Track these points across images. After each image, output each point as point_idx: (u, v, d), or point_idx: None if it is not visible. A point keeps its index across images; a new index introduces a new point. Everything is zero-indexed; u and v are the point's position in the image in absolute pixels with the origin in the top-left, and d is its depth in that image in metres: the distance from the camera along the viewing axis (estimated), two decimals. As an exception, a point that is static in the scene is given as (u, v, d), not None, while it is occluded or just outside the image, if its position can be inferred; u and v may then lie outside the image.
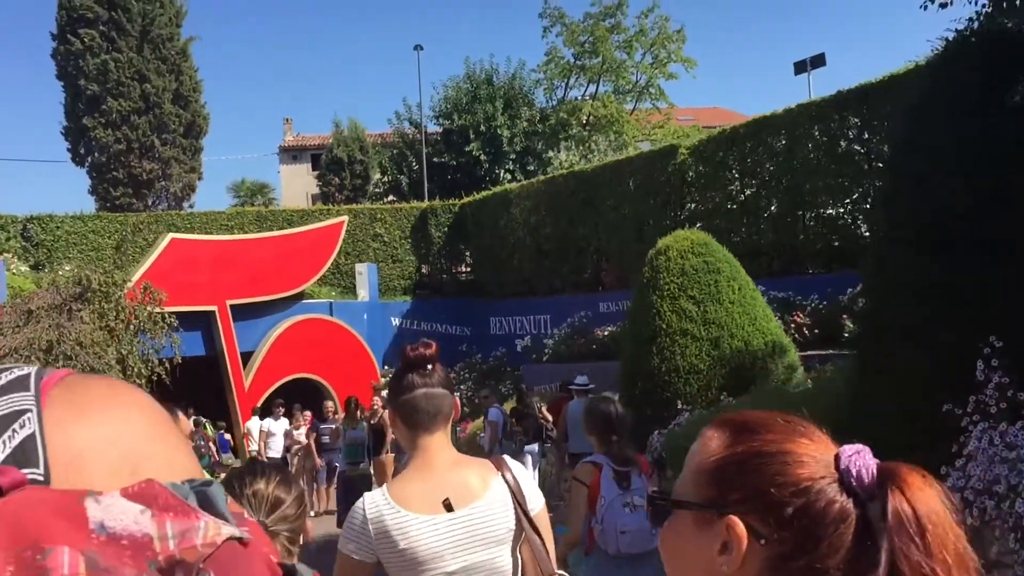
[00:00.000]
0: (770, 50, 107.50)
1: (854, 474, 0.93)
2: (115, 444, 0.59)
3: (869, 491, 0.92)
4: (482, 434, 12.98)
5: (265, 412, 17.31)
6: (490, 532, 2.28)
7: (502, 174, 29.82)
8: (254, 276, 20.73)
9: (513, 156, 30.47)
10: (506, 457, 2.50)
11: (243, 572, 0.54)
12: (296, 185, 39.53)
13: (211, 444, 19.88)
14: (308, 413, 13.77)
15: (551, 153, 29.31)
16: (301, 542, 2.00)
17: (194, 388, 21.35)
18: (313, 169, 41.27)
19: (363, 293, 23.38)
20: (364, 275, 23.40)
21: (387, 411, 6.83)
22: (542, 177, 23.38)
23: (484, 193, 24.64)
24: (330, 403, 13.69)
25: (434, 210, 25.00)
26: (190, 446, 0.68)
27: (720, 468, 0.99)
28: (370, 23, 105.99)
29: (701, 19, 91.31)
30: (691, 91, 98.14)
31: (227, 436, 19.08)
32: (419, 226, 24.98)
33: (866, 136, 14.06)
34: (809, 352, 11.25)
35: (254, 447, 16.79)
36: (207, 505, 0.56)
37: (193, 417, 22.26)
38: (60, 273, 16.31)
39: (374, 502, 2.28)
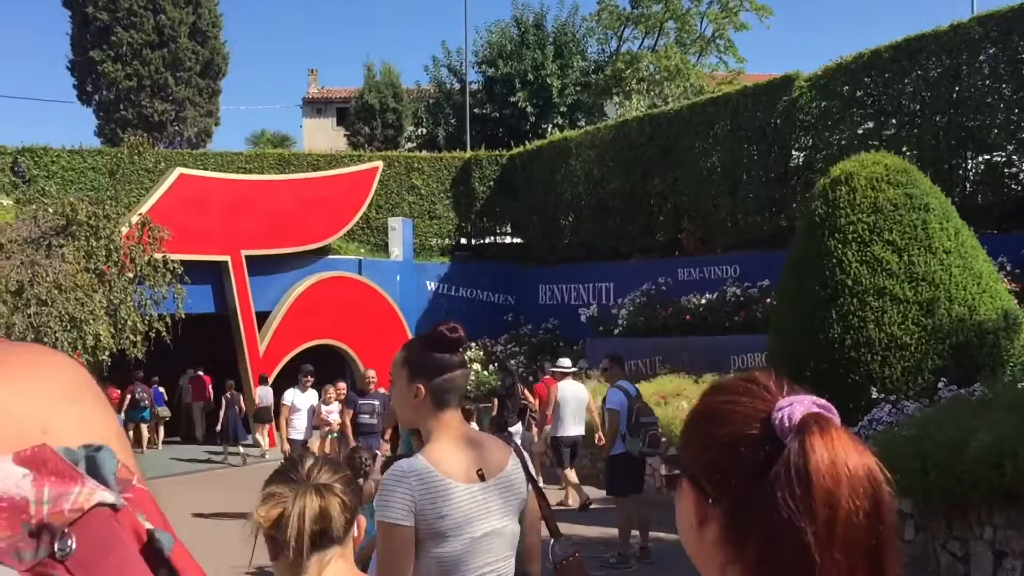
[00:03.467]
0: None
1: (776, 423, 0.89)
2: (23, 401, 0.60)
3: (789, 438, 0.87)
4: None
5: (282, 383, 14.46)
6: (512, 499, 2.43)
7: (550, 129, 26.70)
8: (274, 225, 17.83)
9: (563, 109, 27.37)
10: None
11: (106, 537, 0.55)
12: (320, 140, 36.52)
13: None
14: (342, 384, 10.83)
15: (617, 99, 26.10)
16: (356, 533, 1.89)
17: (198, 350, 18.65)
18: (339, 124, 38.30)
19: (396, 251, 20.44)
20: (398, 231, 20.45)
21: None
22: (610, 122, 20.22)
23: (538, 142, 21.57)
24: (372, 371, 10.70)
25: (479, 161, 21.96)
26: (108, 406, 0.67)
27: (684, 430, 1.01)
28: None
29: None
30: (765, 51, 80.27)
31: (160, 389, 18.62)
32: (461, 179, 21.98)
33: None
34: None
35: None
36: (94, 470, 0.57)
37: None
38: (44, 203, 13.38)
39: (416, 468, 2.31)
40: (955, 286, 7.40)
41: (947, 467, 5.81)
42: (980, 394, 6.72)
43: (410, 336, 19.82)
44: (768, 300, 12.56)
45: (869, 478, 0.86)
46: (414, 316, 20.23)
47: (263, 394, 16.69)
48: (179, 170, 16.93)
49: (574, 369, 10.90)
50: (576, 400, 10.48)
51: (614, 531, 7.67)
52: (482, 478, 2.35)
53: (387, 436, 10.40)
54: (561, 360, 10.86)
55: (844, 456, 0.85)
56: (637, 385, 7.69)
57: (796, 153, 15.05)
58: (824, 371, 7.54)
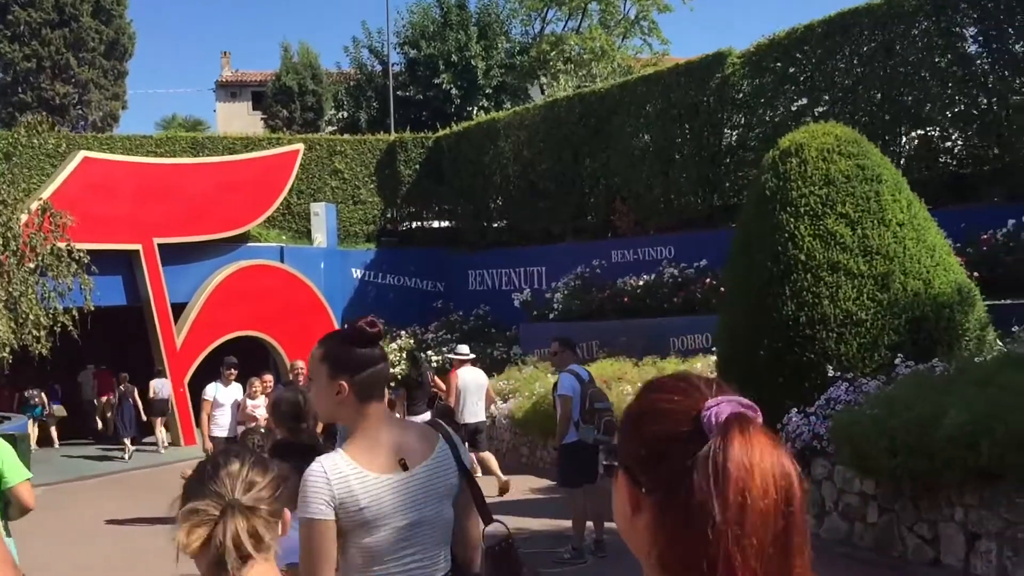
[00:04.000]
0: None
1: (705, 421, 0.96)
2: None
3: (713, 436, 0.94)
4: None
5: (203, 378, 13.67)
6: (439, 487, 2.43)
7: (475, 111, 26.14)
8: (188, 211, 16.93)
9: (489, 91, 26.85)
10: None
11: None
12: (235, 125, 35.12)
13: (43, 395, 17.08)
14: (269, 377, 10.11)
15: (544, 80, 25.65)
16: (280, 532, 1.84)
17: (109, 345, 17.67)
18: (255, 108, 37.03)
19: (319, 238, 19.68)
20: (321, 216, 19.69)
21: None
22: (539, 101, 19.79)
23: (465, 124, 21.01)
24: (300, 362, 10.02)
25: (404, 143, 21.30)
26: None
27: (622, 426, 1.08)
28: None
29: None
30: (693, 34, 78.44)
31: (56, 386, 17.83)
32: (386, 162, 21.27)
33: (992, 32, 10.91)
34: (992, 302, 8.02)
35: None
36: None
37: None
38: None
39: (334, 463, 2.32)
40: (910, 259, 7.17)
41: (917, 446, 5.55)
42: (941, 370, 6.50)
43: (336, 325, 19.14)
44: (708, 280, 12.32)
45: (781, 474, 0.93)
46: (340, 304, 19.54)
47: (158, 386, 15.94)
48: (83, 153, 15.89)
49: (472, 356, 11.01)
50: (476, 386, 10.40)
51: (566, 523, 7.25)
52: (405, 467, 2.37)
53: (320, 429, 9.78)
54: (459, 347, 10.85)
55: (759, 453, 0.93)
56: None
57: (729, 132, 14.85)
58: (778, 350, 7.24)
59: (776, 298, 7.30)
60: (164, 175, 16.99)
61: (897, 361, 6.85)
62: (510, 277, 19.11)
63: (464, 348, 11.00)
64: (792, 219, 7.41)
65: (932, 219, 7.62)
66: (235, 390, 10.22)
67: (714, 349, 10.78)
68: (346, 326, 2.52)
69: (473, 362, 11.14)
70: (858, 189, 7.37)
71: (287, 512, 1.90)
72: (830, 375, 6.98)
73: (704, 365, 10.00)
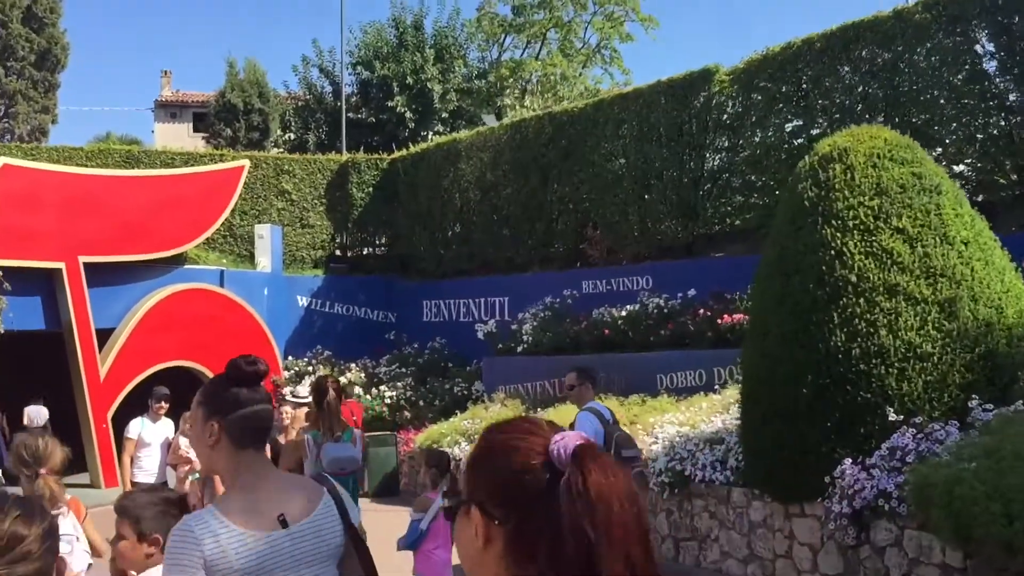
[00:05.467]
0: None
1: (555, 455, 1.10)
2: None
3: (567, 466, 1.08)
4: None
5: (129, 412, 12.06)
6: (322, 547, 2.26)
7: (430, 137, 25.00)
8: (120, 228, 15.39)
9: (445, 115, 25.74)
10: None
11: None
12: (175, 147, 33.56)
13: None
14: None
15: (507, 102, 24.60)
16: None
17: (24, 374, 15.86)
18: (196, 130, 35.43)
19: (263, 262, 18.21)
20: (266, 239, 18.24)
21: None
22: (505, 121, 18.69)
23: (423, 145, 19.83)
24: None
25: (356, 165, 19.99)
26: None
27: (470, 464, 1.19)
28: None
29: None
30: (654, 63, 70.79)
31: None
32: (337, 184, 19.94)
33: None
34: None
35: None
36: None
37: None
38: None
39: (204, 521, 2.15)
40: (978, 283, 6.13)
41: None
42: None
43: (279, 357, 17.64)
44: (702, 311, 11.22)
45: (629, 489, 1.09)
46: (284, 334, 18.06)
47: (33, 413, 14.33)
48: (2, 159, 14.26)
49: (308, 399, 9.25)
50: None
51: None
52: (284, 524, 2.21)
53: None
54: (298, 388, 9.32)
55: (612, 474, 1.08)
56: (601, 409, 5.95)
57: (712, 155, 13.90)
58: (825, 387, 6.11)
59: (822, 327, 6.18)
60: (94, 188, 15.40)
61: (973, 403, 5.76)
62: (469, 308, 17.86)
63: (303, 390, 9.18)
64: (839, 234, 6.33)
65: (996, 239, 6.60)
66: (165, 427, 8.73)
67: (718, 388, 9.67)
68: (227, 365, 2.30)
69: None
70: (915, 201, 6.33)
71: (64, 560, 1.83)
72: (891, 419, 5.86)
73: (709, 405, 8.84)
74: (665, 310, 11.96)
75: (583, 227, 15.68)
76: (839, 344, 6.10)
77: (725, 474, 7.28)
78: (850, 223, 6.34)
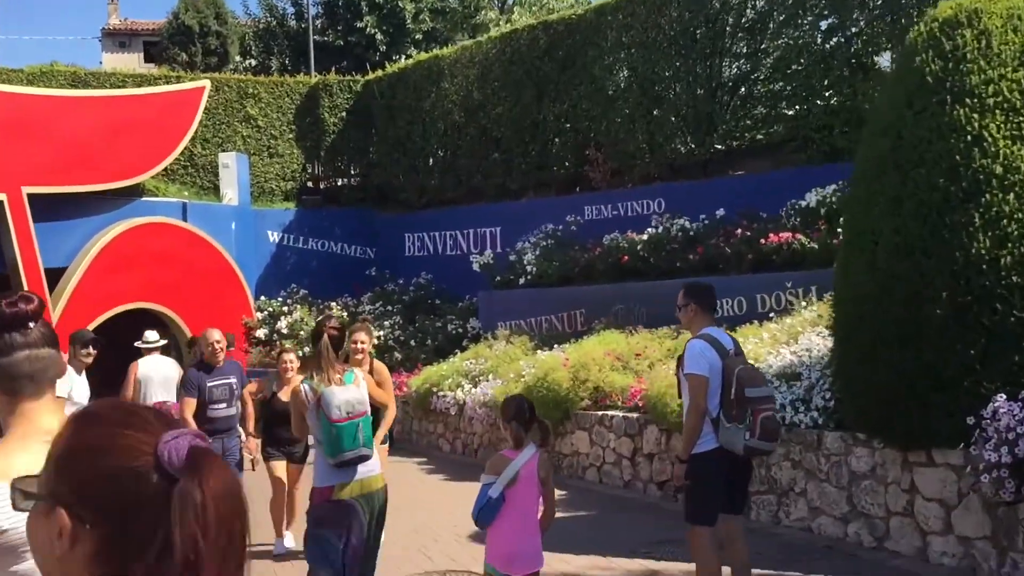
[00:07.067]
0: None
1: (166, 457, 0.98)
2: None
3: (181, 472, 0.98)
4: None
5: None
6: None
7: (403, 60, 23.30)
8: (69, 155, 13.77)
9: (418, 37, 23.99)
10: None
11: None
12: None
13: None
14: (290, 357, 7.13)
15: (492, 15, 22.90)
16: None
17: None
18: (147, 61, 33.14)
19: (230, 194, 16.64)
20: (231, 169, 16.66)
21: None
22: (494, 33, 17.11)
23: (402, 64, 18.21)
24: (218, 332, 6.97)
25: (328, 87, 18.36)
26: None
27: (58, 461, 1.04)
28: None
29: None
30: None
31: None
32: (307, 109, 18.35)
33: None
34: None
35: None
36: None
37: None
38: None
39: None
40: None
41: None
42: None
43: (250, 296, 16.19)
44: (739, 232, 9.95)
45: (234, 490, 1.00)
46: (254, 273, 16.63)
47: None
48: (-73, 76, 12.51)
49: (163, 343, 8.48)
50: (162, 379, 7.56)
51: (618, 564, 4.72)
52: None
53: (252, 428, 7.08)
54: (147, 333, 8.42)
55: (223, 479, 0.99)
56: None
57: (731, 61, 12.55)
58: (966, 307, 4.89)
59: (959, 231, 4.94)
60: (38, 110, 13.69)
61: None
62: (456, 240, 16.51)
63: (152, 335, 8.33)
64: (975, 115, 5.06)
65: None
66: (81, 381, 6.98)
67: (772, 317, 8.46)
68: None
69: (164, 350, 8.41)
70: (1073, 72, 5.06)
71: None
72: (1055, 344, 4.67)
73: (770, 336, 7.62)
74: (691, 233, 10.70)
75: (583, 148, 14.31)
76: (982, 251, 4.86)
77: (811, 415, 6.10)
78: (989, 101, 5.06)
